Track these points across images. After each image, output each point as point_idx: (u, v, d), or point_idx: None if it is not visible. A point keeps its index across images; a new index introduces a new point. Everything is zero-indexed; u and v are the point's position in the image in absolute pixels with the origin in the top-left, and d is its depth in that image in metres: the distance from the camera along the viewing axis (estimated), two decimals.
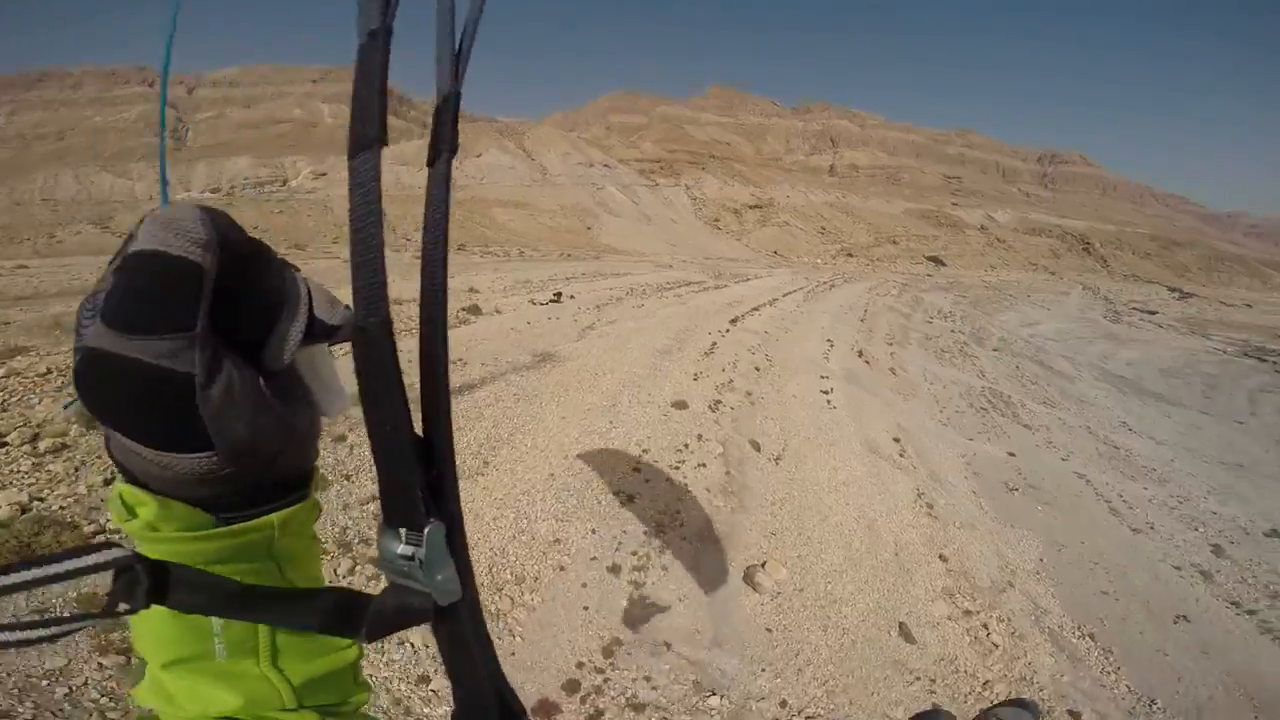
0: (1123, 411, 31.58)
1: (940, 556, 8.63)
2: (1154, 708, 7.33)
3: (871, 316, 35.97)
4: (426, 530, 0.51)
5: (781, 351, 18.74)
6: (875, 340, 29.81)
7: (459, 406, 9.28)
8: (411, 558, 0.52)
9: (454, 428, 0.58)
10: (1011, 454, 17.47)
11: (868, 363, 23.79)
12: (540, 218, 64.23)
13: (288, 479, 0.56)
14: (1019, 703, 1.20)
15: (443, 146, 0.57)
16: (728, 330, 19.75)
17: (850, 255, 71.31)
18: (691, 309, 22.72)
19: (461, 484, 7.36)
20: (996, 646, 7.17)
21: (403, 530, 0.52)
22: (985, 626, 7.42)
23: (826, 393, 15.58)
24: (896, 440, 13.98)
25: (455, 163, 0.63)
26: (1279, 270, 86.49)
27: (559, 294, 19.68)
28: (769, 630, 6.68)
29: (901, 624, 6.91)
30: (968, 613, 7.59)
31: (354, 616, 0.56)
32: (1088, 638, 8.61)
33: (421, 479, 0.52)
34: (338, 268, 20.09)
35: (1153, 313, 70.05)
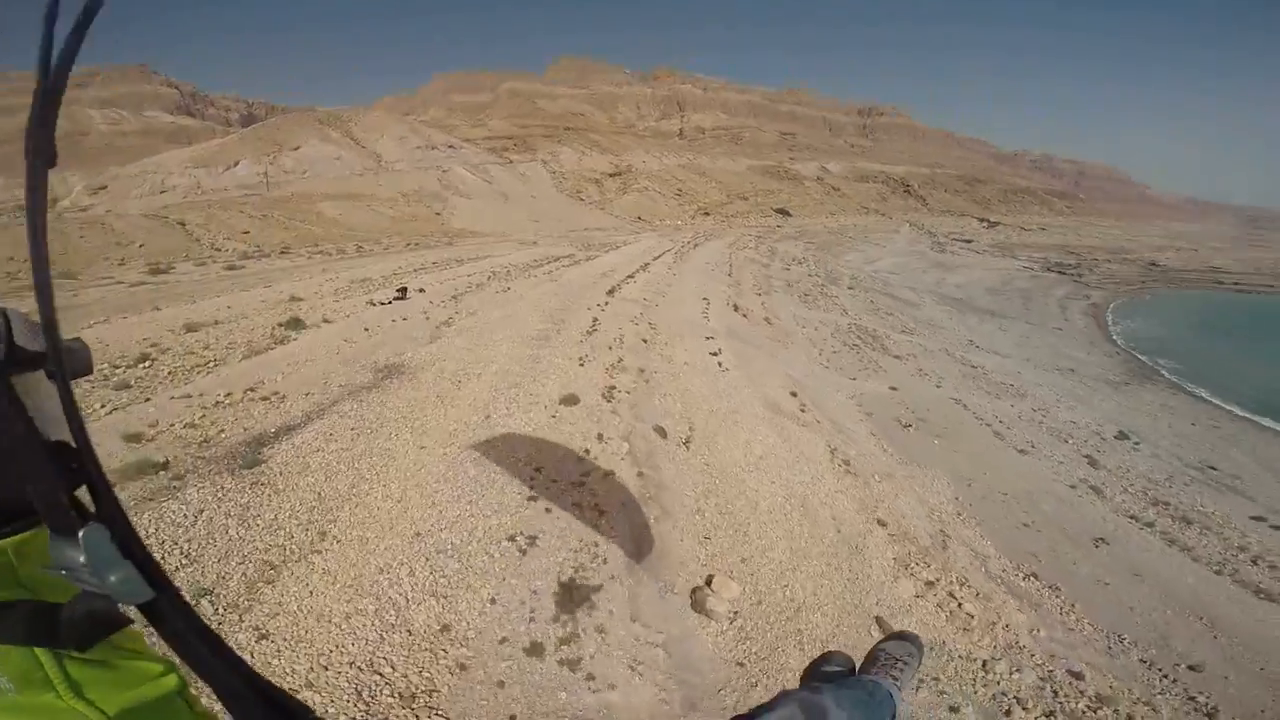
0: (966, 330, 34.78)
1: (879, 522, 7.88)
2: (1126, 644, 7.16)
3: (737, 270, 36.28)
4: (82, 534, 0.51)
5: (664, 317, 17.57)
6: (745, 292, 29.89)
7: (273, 454, 6.80)
8: (84, 563, 0.51)
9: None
10: (894, 388, 17.84)
11: (744, 316, 23.50)
12: (379, 208, 58.15)
13: (11, 506, 0.56)
14: (901, 635, 1.11)
15: (36, 154, 0.50)
16: (607, 303, 18.18)
17: (707, 214, 72.62)
18: (565, 285, 20.79)
19: (290, 568, 4.75)
20: (971, 617, 6.50)
21: (65, 537, 0.52)
22: (952, 596, 6.73)
23: (715, 354, 14.65)
24: (794, 395, 13.38)
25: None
26: (1059, 198, 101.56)
27: (404, 289, 16.68)
28: (741, 664, 5.34)
29: (878, 619, 5.96)
30: (930, 584, 6.86)
31: (50, 626, 0.55)
32: (1033, 578, 8.36)
33: (66, 484, 0.53)
34: (116, 295, 15.70)
35: (969, 241, 79.06)
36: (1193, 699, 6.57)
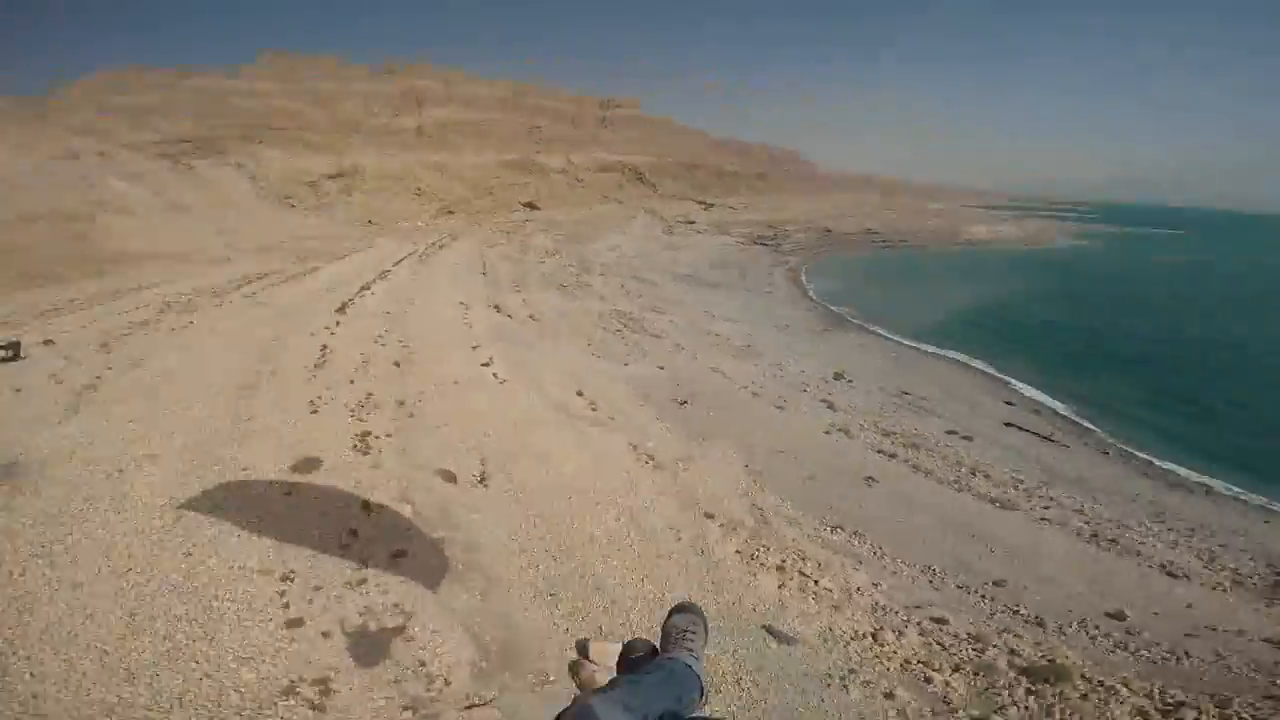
0: (702, 303, 38.36)
1: (706, 515, 7.55)
2: (940, 575, 7.95)
3: (491, 268, 34.63)
4: None
5: (417, 330, 15.38)
6: (504, 290, 28.58)
7: None
8: None
9: None
10: (661, 367, 18.49)
11: (509, 315, 22.27)
12: None
13: None
14: (680, 608, 1.44)
15: None
16: (338, 323, 15.22)
17: (451, 212, 68.44)
18: (276, 309, 16.89)
19: None
20: (830, 591, 6.48)
21: None
22: (804, 574, 6.66)
23: (487, 364, 13.23)
24: (580, 394, 12.75)
25: None
26: (758, 179, 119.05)
27: (14, 345, 11.41)
28: None
29: (767, 628, 5.43)
30: (780, 569, 6.72)
31: None
32: (841, 531, 8.96)
33: None
34: None
35: (692, 223, 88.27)
36: (1018, 612, 7.60)
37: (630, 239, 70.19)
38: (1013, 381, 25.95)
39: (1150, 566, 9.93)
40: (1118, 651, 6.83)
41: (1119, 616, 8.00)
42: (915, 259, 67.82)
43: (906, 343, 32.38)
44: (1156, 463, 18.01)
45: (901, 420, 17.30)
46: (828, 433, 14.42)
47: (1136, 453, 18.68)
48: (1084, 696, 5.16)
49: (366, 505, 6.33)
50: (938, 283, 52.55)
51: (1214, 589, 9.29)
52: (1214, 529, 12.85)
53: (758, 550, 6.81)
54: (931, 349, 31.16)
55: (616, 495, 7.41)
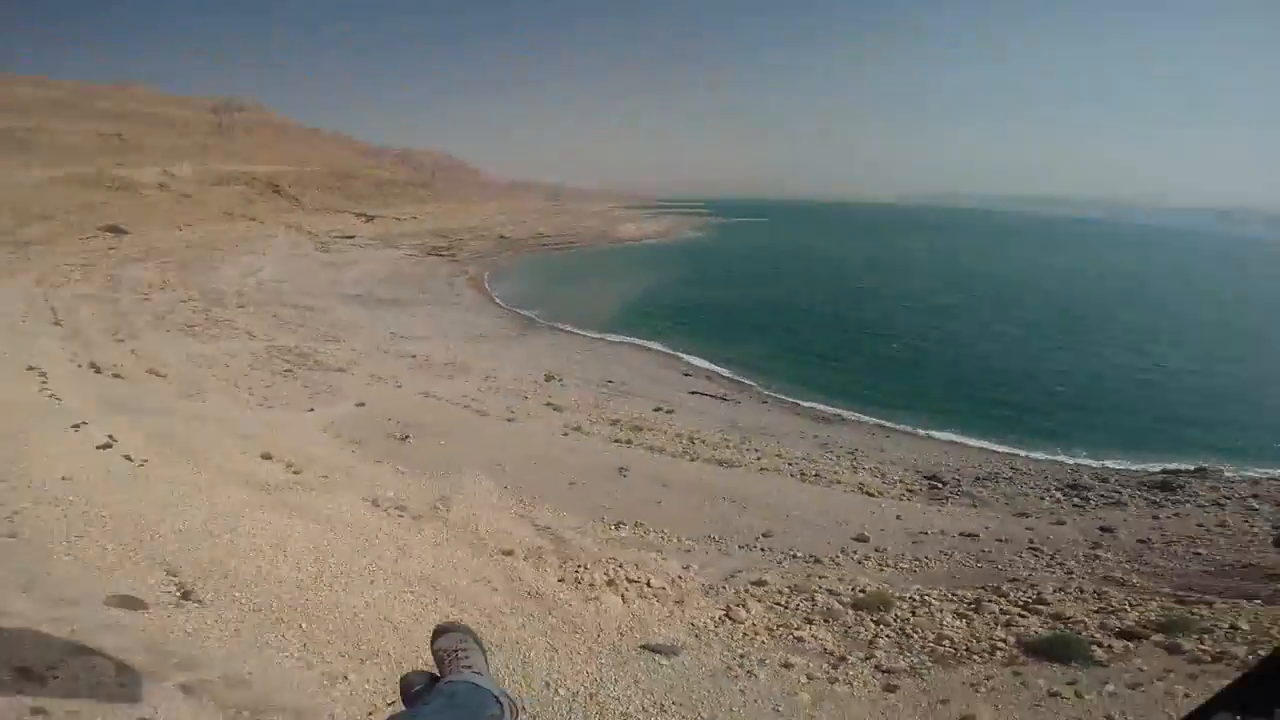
0: (384, 324, 35.32)
1: (504, 552, 6.67)
2: (723, 541, 8.49)
3: (68, 314, 25.52)
4: None
5: None
6: (99, 343, 21.44)
7: None
8: None
9: None
10: (361, 404, 16.39)
11: (119, 375, 16.81)
12: None
13: None
14: (442, 630, 1.42)
15: None
16: None
17: None
18: None
19: None
20: (664, 588, 6.32)
21: None
22: (632, 581, 6.37)
23: (109, 445, 9.59)
24: (269, 457, 10.17)
25: None
26: (421, 187, 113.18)
27: None
28: None
29: (645, 647, 4.90)
30: (610, 583, 6.27)
31: None
32: (624, 526, 9.09)
33: None
34: None
35: (352, 237, 79.80)
36: (795, 556, 8.50)
37: (273, 261, 60.01)
38: (682, 355, 30.68)
39: (851, 491, 12.78)
40: (886, 569, 8.65)
41: (863, 539, 9.90)
42: (581, 258, 74.40)
43: (593, 335, 35.29)
44: (802, 404, 23.52)
45: (618, 407, 18.80)
46: (565, 434, 14.78)
47: (784, 398, 24.05)
48: (914, 613, 6.12)
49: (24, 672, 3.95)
50: (604, 278, 58.58)
51: (901, 500, 12.47)
52: (866, 450, 17.31)
53: (577, 572, 6.40)
54: (614, 338, 34.67)
55: (389, 565, 6.01)
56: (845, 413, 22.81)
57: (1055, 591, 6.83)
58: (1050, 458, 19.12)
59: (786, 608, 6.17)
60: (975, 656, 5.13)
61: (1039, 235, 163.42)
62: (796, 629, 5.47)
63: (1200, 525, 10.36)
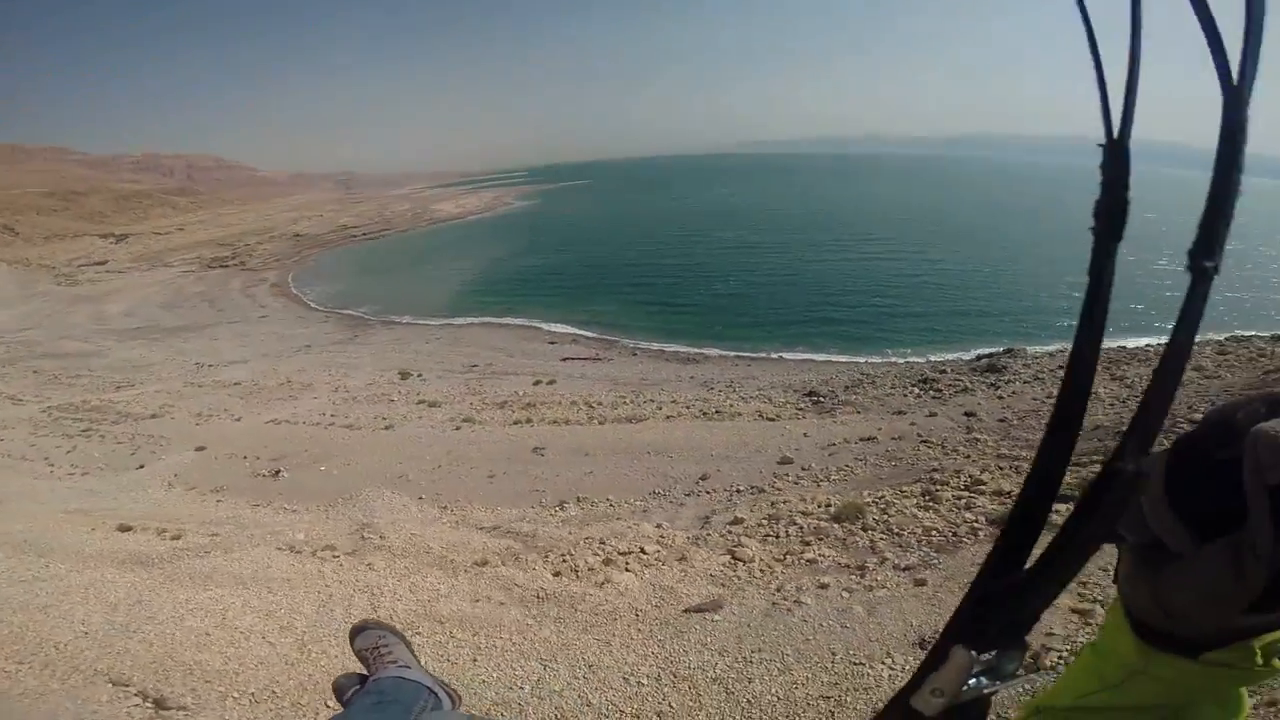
0: (184, 356, 29.77)
1: (478, 564, 5.80)
2: (672, 493, 8.33)
3: None
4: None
5: None
6: None
7: None
8: None
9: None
10: (201, 448, 13.69)
11: None
12: None
13: None
14: (358, 630, 1.51)
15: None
16: None
17: None
18: None
19: None
20: (661, 549, 5.92)
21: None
22: (626, 553, 5.88)
23: None
24: (128, 529, 7.94)
25: None
26: (180, 195, 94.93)
27: None
28: None
29: (689, 611, 4.45)
30: (608, 562, 5.68)
31: None
32: (569, 505, 8.61)
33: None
34: None
35: (103, 263, 65.49)
36: (740, 490, 8.57)
37: (1, 307, 47.51)
38: (540, 325, 29.93)
39: (754, 419, 13.26)
40: (823, 483, 9.05)
41: (787, 461, 10.29)
42: (402, 244, 68.70)
43: (438, 322, 33.15)
44: (666, 349, 24.22)
45: (495, 389, 17.82)
46: (458, 428, 13.66)
47: (650, 346, 24.59)
48: (885, 512, 6.41)
49: None
50: (433, 261, 54.90)
51: (797, 419, 13.13)
52: (741, 381, 18.16)
53: (565, 561, 5.75)
54: (462, 320, 32.84)
55: (370, 611, 5.03)
56: (707, 351, 24.13)
57: (982, 472, 7.87)
58: (890, 360, 21.95)
59: (779, 537, 6.37)
60: (964, 539, 5.75)
61: (859, 174, 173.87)
62: (803, 553, 5.66)
63: (1034, 399, 12.58)
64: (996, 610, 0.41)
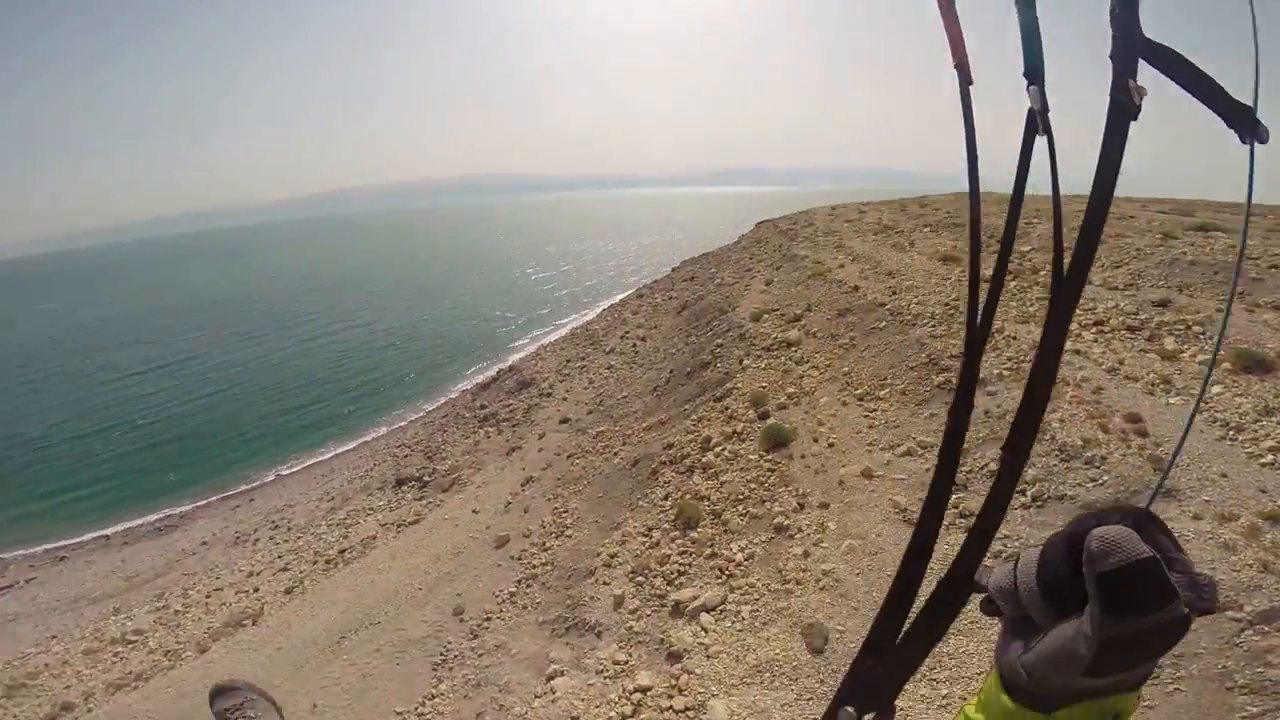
0: None
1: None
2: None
3: None
4: None
5: None
6: None
7: None
8: None
9: None
10: None
11: None
12: None
13: None
14: (217, 694, 1.31)
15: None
16: None
17: None
18: None
19: None
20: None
21: None
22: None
23: None
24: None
25: None
26: None
27: None
28: None
29: (805, 630, 4.62)
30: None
31: None
32: (474, 628, 6.27)
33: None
34: None
35: None
36: None
37: None
38: None
39: (399, 529, 11.73)
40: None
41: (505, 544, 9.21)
42: None
43: None
44: (108, 531, 18.10)
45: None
46: None
47: (73, 540, 17.55)
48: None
49: None
50: None
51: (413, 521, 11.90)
52: (280, 509, 15.41)
53: (614, 669, 4.86)
54: None
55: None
56: (177, 509, 19.14)
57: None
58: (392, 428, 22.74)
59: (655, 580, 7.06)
60: None
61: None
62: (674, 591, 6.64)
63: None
64: (872, 677, 0.57)
